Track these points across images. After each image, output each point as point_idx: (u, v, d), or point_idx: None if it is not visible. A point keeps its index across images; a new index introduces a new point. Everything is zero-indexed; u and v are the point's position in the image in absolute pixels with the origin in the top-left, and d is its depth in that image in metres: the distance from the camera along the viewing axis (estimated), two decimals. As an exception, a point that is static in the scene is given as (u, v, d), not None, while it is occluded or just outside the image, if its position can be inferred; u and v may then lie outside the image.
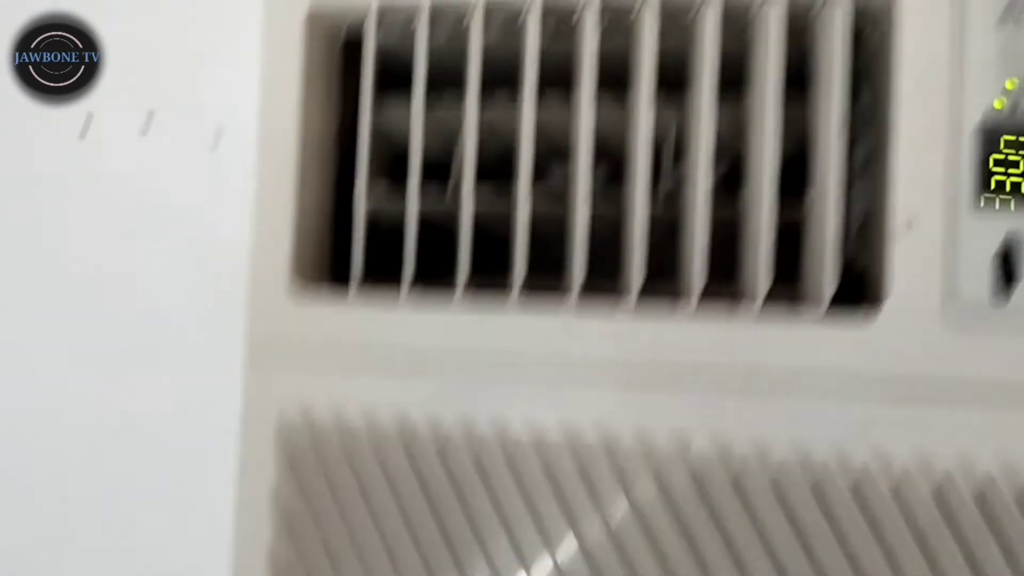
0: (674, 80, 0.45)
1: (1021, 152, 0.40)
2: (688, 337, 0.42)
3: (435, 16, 0.47)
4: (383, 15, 0.47)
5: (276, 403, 0.46)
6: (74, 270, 0.63)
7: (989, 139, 0.40)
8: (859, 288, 0.44)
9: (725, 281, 0.44)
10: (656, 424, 0.42)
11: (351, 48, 0.50)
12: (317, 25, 0.48)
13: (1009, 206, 0.40)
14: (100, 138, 0.64)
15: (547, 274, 0.44)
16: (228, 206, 0.58)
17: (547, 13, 0.45)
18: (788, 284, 0.44)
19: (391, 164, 0.49)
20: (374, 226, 0.47)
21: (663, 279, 0.44)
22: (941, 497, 0.40)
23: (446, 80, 0.47)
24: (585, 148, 0.43)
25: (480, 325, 0.44)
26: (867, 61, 0.44)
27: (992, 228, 0.40)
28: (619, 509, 0.42)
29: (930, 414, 0.40)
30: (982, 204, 0.40)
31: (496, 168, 0.46)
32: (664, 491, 0.42)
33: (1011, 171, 0.40)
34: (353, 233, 0.46)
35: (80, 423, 0.60)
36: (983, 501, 0.40)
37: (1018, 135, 0.40)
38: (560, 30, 0.46)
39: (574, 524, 0.43)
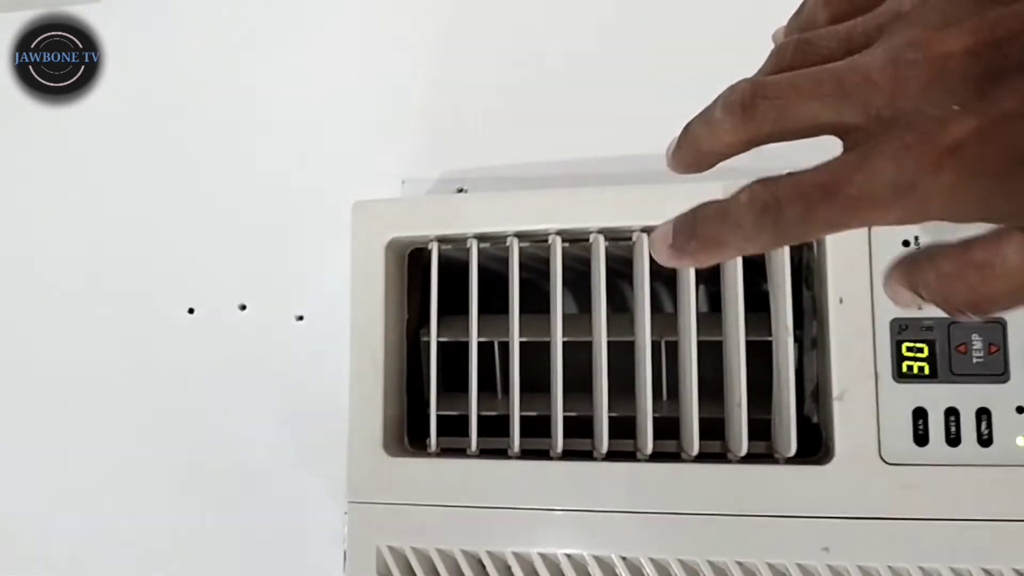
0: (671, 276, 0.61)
1: (921, 343, 0.55)
2: (690, 480, 0.56)
3: (480, 239, 0.62)
4: (441, 240, 0.63)
5: (375, 539, 0.59)
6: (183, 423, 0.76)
7: (899, 331, 0.56)
8: (818, 435, 0.58)
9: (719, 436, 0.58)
10: (667, 551, 0.56)
11: (415, 252, 0.66)
12: (392, 246, 0.63)
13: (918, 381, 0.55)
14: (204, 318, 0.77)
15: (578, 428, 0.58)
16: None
17: (562, 233, 0.61)
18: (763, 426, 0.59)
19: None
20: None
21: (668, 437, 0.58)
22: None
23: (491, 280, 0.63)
24: (601, 360, 0.58)
25: (527, 478, 0.58)
26: (812, 268, 0.59)
27: (907, 397, 0.55)
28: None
29: (871, 536, 0.54)
30: (899, 379, 0.55)
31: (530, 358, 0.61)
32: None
33: (918, 355, 0.55)
34: (429, 412, 0.60)
35: (205, 538, 0.72)
36: (913, 603, 0.53)
37: (921, 332, 0.55)
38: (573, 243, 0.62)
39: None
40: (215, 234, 0.74)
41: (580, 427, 0.60)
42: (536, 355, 0.61)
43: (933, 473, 0.54)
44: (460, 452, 0.60)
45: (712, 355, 0.59)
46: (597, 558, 0.57)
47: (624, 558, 0.56)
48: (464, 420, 0.61)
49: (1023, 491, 0.53)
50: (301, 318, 0.73)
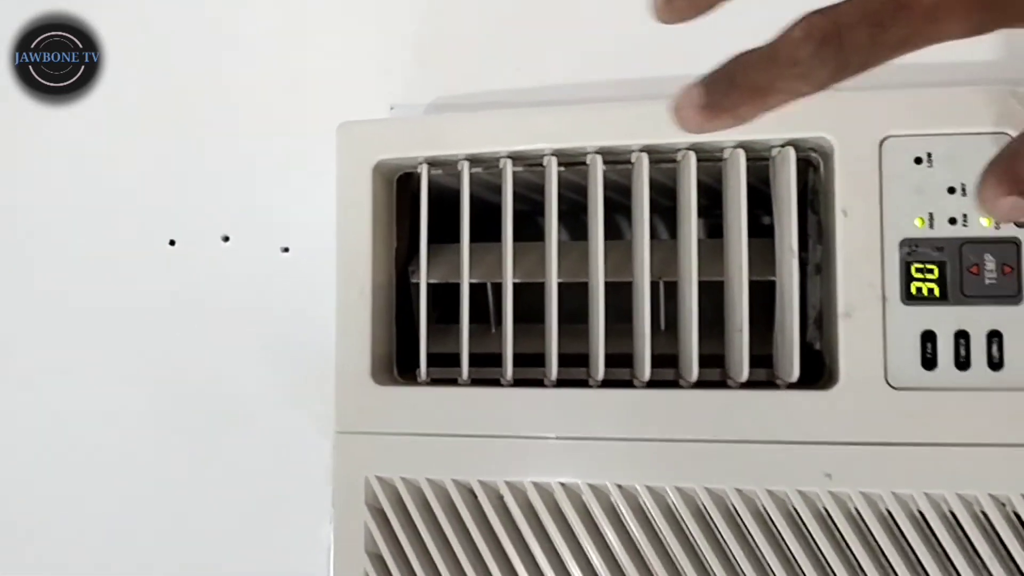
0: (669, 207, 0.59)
1: (931, 264, 0.53)
2: (688, 406, 0.54)
3: (472, 161, 0.59)
4: (430, 163, 0.60)
5: (363, 470, 0.57)
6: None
7: (910, 251, 0.53)
8: (821, 363, 0.56)
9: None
10: (664, 479, 0.54)
11: (403, 179, 0.63)
12: (380, 171, 0.61)
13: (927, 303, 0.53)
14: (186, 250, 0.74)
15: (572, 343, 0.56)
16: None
17: (558, 154, 0.58)
18: (765, 360, 0.57)
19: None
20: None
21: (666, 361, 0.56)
22: (886, 523, 0.52)
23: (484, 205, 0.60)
24: (598, 278, 0.56)
25: (521, 405, 0.56)
26: (818, 190, 0.57)
27: (915, 318, 0.53)
28: (641, 544, 0.54)
29: (875, 463, 0.52)
30: (907, 301, 0.53)
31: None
32: (674, 529, 0.54)
33: (928, 276, 0.53)
34: (419, 336, 0.58)
35: (191, 476, 0.70)
36: (919, 524, 0.52)
37: (932, 252, 0.53)
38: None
39: (593, 553, 0.55)
40: (198, 163, 0.71)
41: (575, 362, 0.58)
42: (530, 288, 0.59)
43: (941, 398, 0.52)
44: (451, 381, 0.58)
45: (713, 293, 0.57)
46: (592, 486, 0.55)
47: (619, 486, 0.55)
48: (455, 358, 0.58)
49: (1032, 412, 0.51)
50: (287, 250, 0.71)
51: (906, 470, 0.52)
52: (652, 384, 0.55)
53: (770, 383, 0.55)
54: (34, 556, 0.73)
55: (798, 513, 0.53)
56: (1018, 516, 0.51)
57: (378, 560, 0.58)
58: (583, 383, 0.56)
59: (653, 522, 0.55)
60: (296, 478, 0.69)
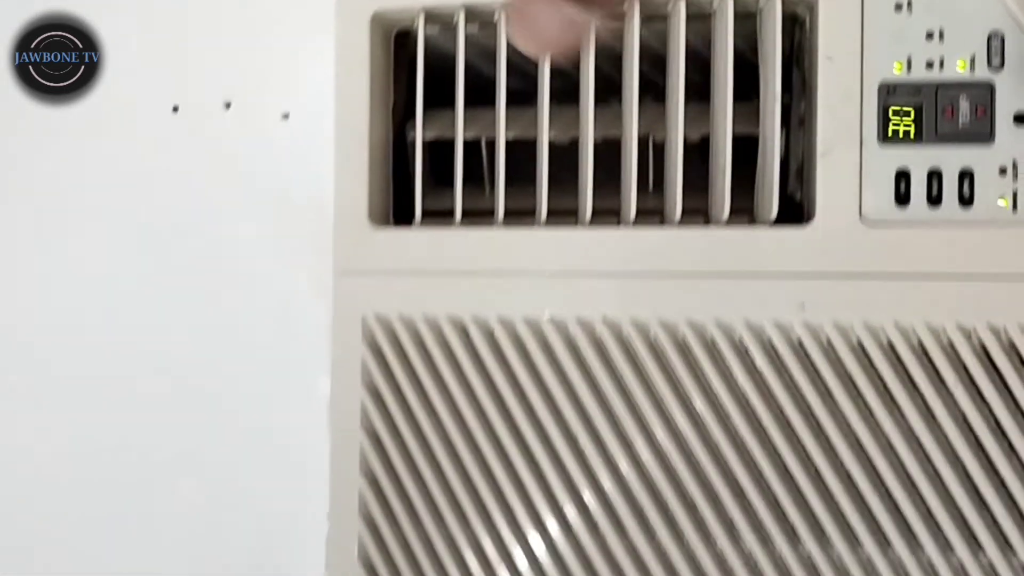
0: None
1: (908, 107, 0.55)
2: (672, 243, 0.57)
3: (469, 15, 0.61)
4: (428, 15, 0.62)
5: (361, 309, 0.60)
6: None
7: (888, 93, 0.55)
8: (800, 213, 0.59)
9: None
10: (649, 313, 0.57)
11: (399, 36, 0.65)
12: (378, 23, 0.62)
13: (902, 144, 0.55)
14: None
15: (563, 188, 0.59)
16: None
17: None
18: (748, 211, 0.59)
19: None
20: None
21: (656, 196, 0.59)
22: (857, 353, 0.55)
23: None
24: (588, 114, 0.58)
25: (512, 243, 0.59)
26: (803, 46, 0.59)
27: (891, 158, 0.55)
28: (626, 376, 0.57)
29: (848, 294, 0.55)
30: (883, 142, 0.55)
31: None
32: (657, 361, 0.57)
33: (904, 119, 0.55)
34: (414, 179, 0.61)
35: (197, 329, 0.73)
36: (889, 354, 0.55)
37: (909, 96, 0.55)
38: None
39: (591, 385, 0.58)
40: (199, 27, 0.72)
41: (564, 213, 0.60)
42: (523, 151, 0.61)
43: (912, 232, 0.54)
44: (445, 221, 0.60)
45: (698, 157, 0.58)
46: (579, 320, 0.58)
47: (605, 320, 0.57)
48: (449, 215, 0.61)
49: (1002, 249, 0.54)
50: (287, 116, 0.73)
51: (877, 301, 0.55)
52: (638, 223, 0.57)
53: (751, 221, 0.58)
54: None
55: (773, 344, 0.56)
56: (983, 346, 0.54)
57: (375, 395, 0.61)
58: (572, 222, 0.59)
59: (636, 355, 0.57)
60: (294, 333, 0.71)
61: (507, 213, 0.59)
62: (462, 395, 0.59)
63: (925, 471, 0.55)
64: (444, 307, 0.59)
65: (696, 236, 0.56)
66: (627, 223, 0.58)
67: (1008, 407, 0.53)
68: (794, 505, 0.55)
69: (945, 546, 0.55)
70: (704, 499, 0.56)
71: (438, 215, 0.62)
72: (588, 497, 0.58)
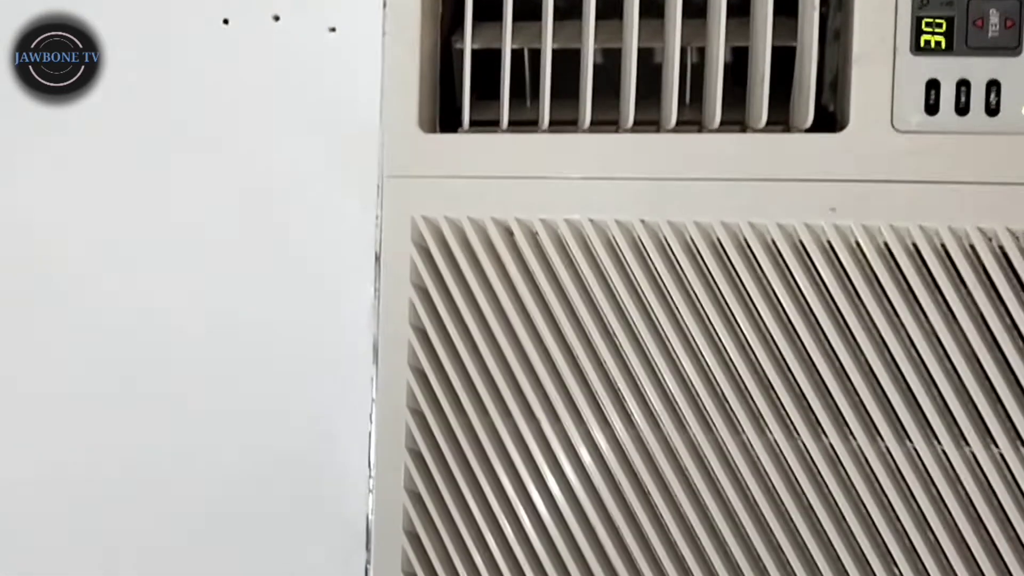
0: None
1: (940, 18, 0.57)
2: (709, 149, 0.60)
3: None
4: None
5: (410, 211, 0.63)
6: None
7: (920, 6, 0.58)
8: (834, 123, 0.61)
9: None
10: (684, 214, 0.60)
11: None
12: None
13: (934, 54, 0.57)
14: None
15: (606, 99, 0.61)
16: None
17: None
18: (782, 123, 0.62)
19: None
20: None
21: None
22: (883, 255, 0.58)
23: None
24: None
25: (555, 148, 0.61)
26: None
27: (922, 68, 0.58)
28: (661, 274, 0.60)
29: (876, 198, 0.58)
30: (916, 52, 0.58)
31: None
32: (691, 262, 0.60)
33: (936, 31, 0.58)
34: (463, 87, 0.63)
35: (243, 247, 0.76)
36: (913, 256, 0.58)
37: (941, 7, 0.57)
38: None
39: (627, 283, 0.61)
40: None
41: (606, 124, 0.63)
42: (566, 63, 0.63)
43: (941, 140, 0.57)
44: (492, 128, 0.63)
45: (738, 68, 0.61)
46: (619, 222, 0.61)
47: (644, 222, 0.60)
48: (494, 124, 0.63)
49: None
50: (333, 30, 0.75)
51: (904, 205, 0.57)
52: (677, 129, 0.60)
53: (786, 129, 0.60)
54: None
55: (803, 245, 0.59)
56: (1002, 249, 0.57)
57: (422, 292, 0.64)
58: (614, 129, 0.61)
59: (672, 255, 0.61)
60: (344, 252, 0.74)
61: (550, 123, 0.62)
62: (505, 293, 0.62)
63: (943, 368, 0.58)
64: (489, 210, 0.62)
65: (732, 142, 0.59)
66: (667, 129, 0.60)
67: (1024, 307, 0.56)
68: (819, 399, 0.59)
69: (959, 438, 0.58)
70: (734, 393, 0.60)
71: (481, 125, 0.65)
72: (622, 388, 0.61)
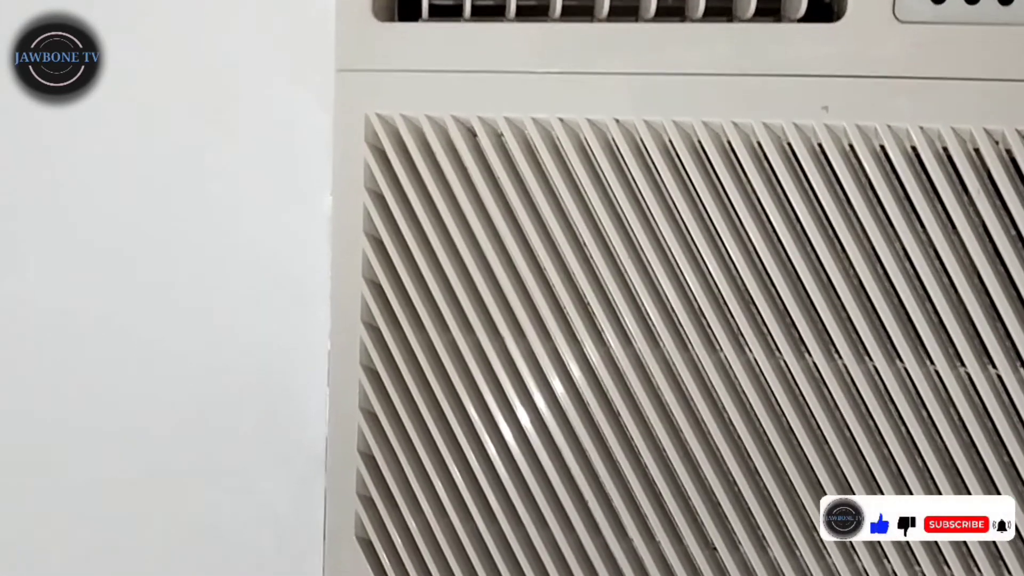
0: None
1: None
2: (692, 40, 0.54)
3: None
4: None
5: (364, 107, 0.58)
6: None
7: None
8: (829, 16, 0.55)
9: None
10: (662, 113, 0.55)
11: None
12: None
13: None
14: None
15: None
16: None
17: None
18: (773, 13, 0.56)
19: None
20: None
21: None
22: (879, 159, 0.53)
23: None
24: None
25: (524, 39, 0.56)
26: None
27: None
28: (636, 181, 0.55)
29: (874, 96, 0.52)
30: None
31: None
32: (669, 166, 0.55)
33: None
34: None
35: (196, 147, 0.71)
36: (911, 160, 0.52)
37: None
38: None
39: (600, 190, 0.56)
40: None
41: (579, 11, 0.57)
42: None
43: (948, 31, 0.52)
44: (454, 16, 0.57)
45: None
46: (592, 122, 0.55)
47: (618, 121, 0.55)
48: (455, 11, 0.57)
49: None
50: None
51: (904, 104, 0.52)
52: (657, 19, 0.54)
53: (777, 18, 0.55)
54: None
55: (792, 148, 0.54)
56: (1009, 153, 0.52)
57: (378, 198, 0.59)
58: (588, 19, 0.56)
59: (649, 158, 0.55)
60: (299, 155, 0.69)
61: (518, 12, 0.56)
62: (467, 199, 0.57)
63: (940, 283, 0.53)
64: (450, 107, 0.57)
65: (718, 33, 0.54)
66: (646, 19, 0.54)
67: (1031, 216, 0.51)
68: (803, 315, 0.54)
69: (955, 359, 0.54)
70: (712, 308, 0.55)
71: (442, 13, 0.59)
72: (592, 303, 0.57)
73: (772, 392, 0.55)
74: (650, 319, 0.56)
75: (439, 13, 0.59)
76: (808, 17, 0.53)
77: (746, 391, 0.56)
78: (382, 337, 0.60)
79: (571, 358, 0.57)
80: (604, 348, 0.57)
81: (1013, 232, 0.52)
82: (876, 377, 0.55)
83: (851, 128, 0.52)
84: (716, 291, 0.55)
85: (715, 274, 0.55)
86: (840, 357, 0.55)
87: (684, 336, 0.56)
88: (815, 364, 0.55)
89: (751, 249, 0.55)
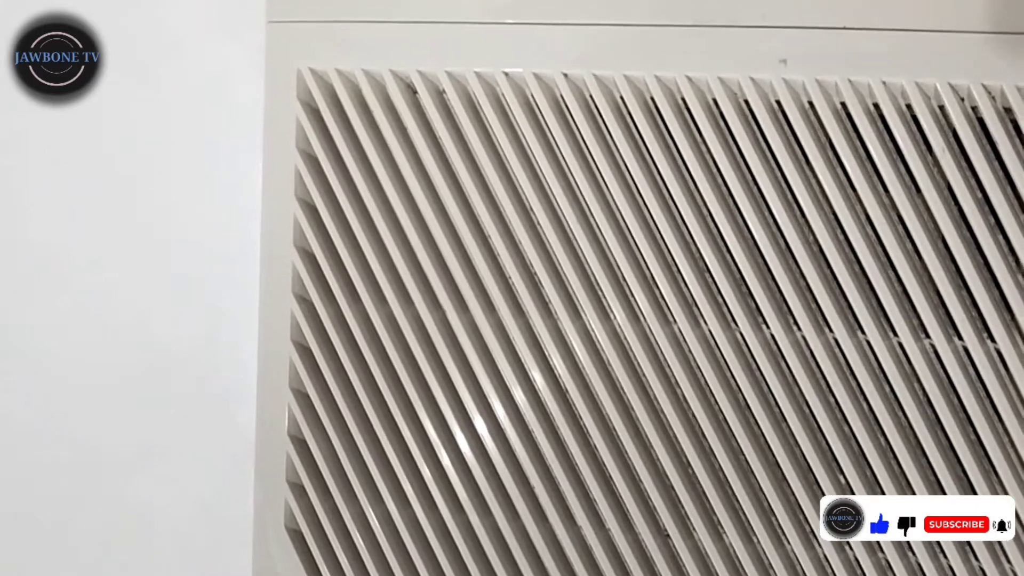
0: None
1: None
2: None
3: None
4: None
5: (295, 61, 0.54)
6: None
7: None
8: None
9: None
10: (614, 66, 0.51)
11: None
12: None
13: None
14: None
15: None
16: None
17: None
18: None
19: None
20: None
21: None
22: (839, 116, 0.50)
23: None
24: None
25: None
26: None
27: None
28: (585, 139, 0.52)
29: (834, 48, 0.50)
30: None
31: None
32: (620, 123, 0.52)
33: None
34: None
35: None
36: (873, 117, 0.50)
37: None
38: None
39: (547, 148, 0.52)
40: None
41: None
42: None
43: (911, -20, 0.49)
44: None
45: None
46: (537, 76, 0.52)
47: (567, 75, 0.52)
48: None
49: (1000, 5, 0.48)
50: None
51: (867, 57, 0.50)
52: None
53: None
54: None
55: (748, 104, 0.51)
56: (975, 109, 0.49)
57: (310, 160, 0.55)
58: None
59: (598, 115, 0.52)
60: (232, 114, 0.65)
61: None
62: (405, 159, 0.54)
63: (904, 249, 0.50)
64: (387, 61, 0.54)
65: (671, -20, 0.50)
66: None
67: (997, 178, 0.49)
68: (760, 283, 0.51)
69: (919, 330, 0.51)
70: (665, 277, 0.52)
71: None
72: (537, 270, 0.53)
73: (726, 364, 0.52)
74: (599, 288, 0.53)
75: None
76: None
77: (699, 363, 0.52)
78: (315, 310, 0.56)
79: (515, 330, 0.54)
80: (551, 319, 0.54)
81: (980, 195, 0.49)
82: (836, 349, 0.51)
83: (810, 82, 0.50)
84: (668, 259, 0.52)
85: (667, 240, 0.52)
86: (799, 329, 0.52)
87: (635, 306, 0.53)
88: (772, 336, 0.52)
89: (706, 213, 0.51)
